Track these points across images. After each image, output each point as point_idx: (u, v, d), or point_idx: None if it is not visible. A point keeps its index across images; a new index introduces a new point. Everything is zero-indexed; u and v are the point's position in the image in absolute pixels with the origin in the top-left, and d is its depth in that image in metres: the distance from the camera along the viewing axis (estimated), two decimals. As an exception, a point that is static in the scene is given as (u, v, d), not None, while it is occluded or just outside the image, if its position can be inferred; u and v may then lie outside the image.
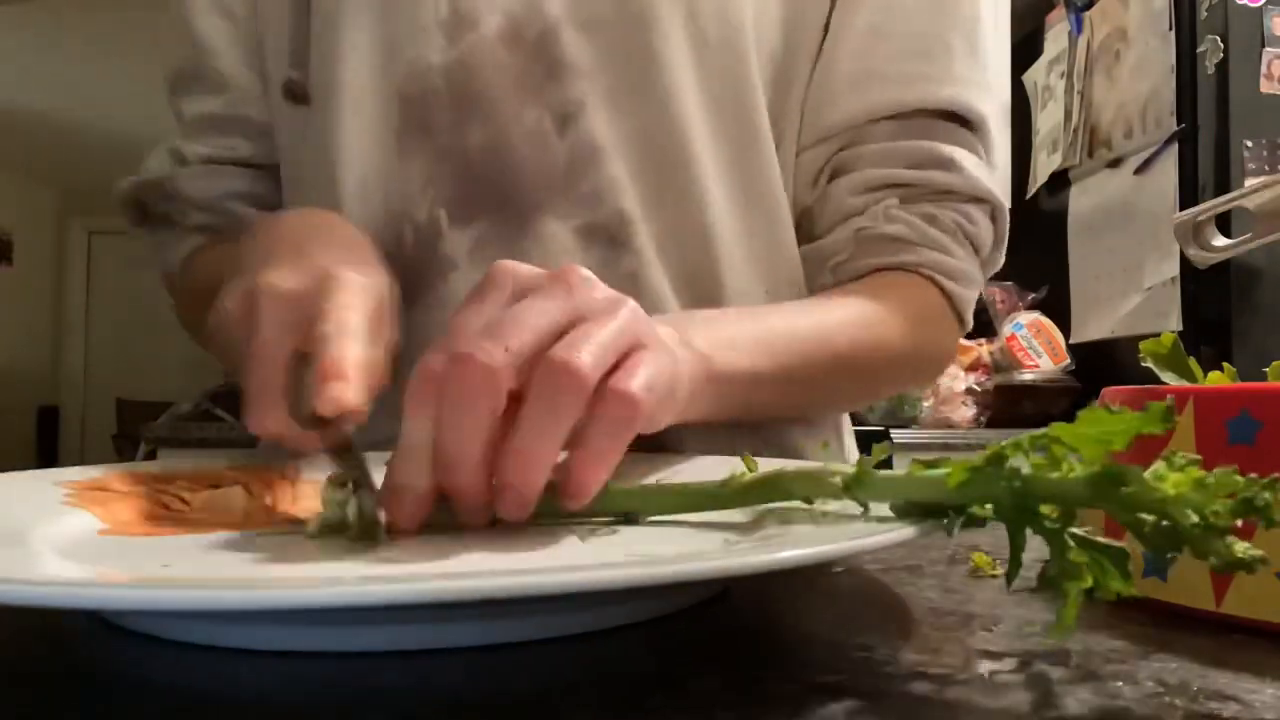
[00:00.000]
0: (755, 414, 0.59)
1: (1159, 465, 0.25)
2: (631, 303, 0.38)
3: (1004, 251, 0.66)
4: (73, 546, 0.34)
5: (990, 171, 0.63)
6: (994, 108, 0.64)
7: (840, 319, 0.59)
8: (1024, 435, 0.28)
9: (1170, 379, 0.39)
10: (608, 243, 0.60)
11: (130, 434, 4.75)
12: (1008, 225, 0.65)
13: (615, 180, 0.59)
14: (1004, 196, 0.64)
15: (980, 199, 0.63)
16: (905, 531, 0.28)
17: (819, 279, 0.65)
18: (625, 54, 0.60)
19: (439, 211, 0.60)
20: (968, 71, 0.63)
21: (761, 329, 0.55)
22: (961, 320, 0.65)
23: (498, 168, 0.60)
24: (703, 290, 0.62)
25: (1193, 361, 0.38)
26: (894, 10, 0.63)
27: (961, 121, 0.63)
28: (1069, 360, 2.18)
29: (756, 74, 0.62)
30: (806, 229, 0.66)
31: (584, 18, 0.60)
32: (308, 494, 0.45)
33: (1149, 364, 0.39)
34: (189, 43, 0.69)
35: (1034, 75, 2.37)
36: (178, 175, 0.68)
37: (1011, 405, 2.15)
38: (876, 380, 0.67)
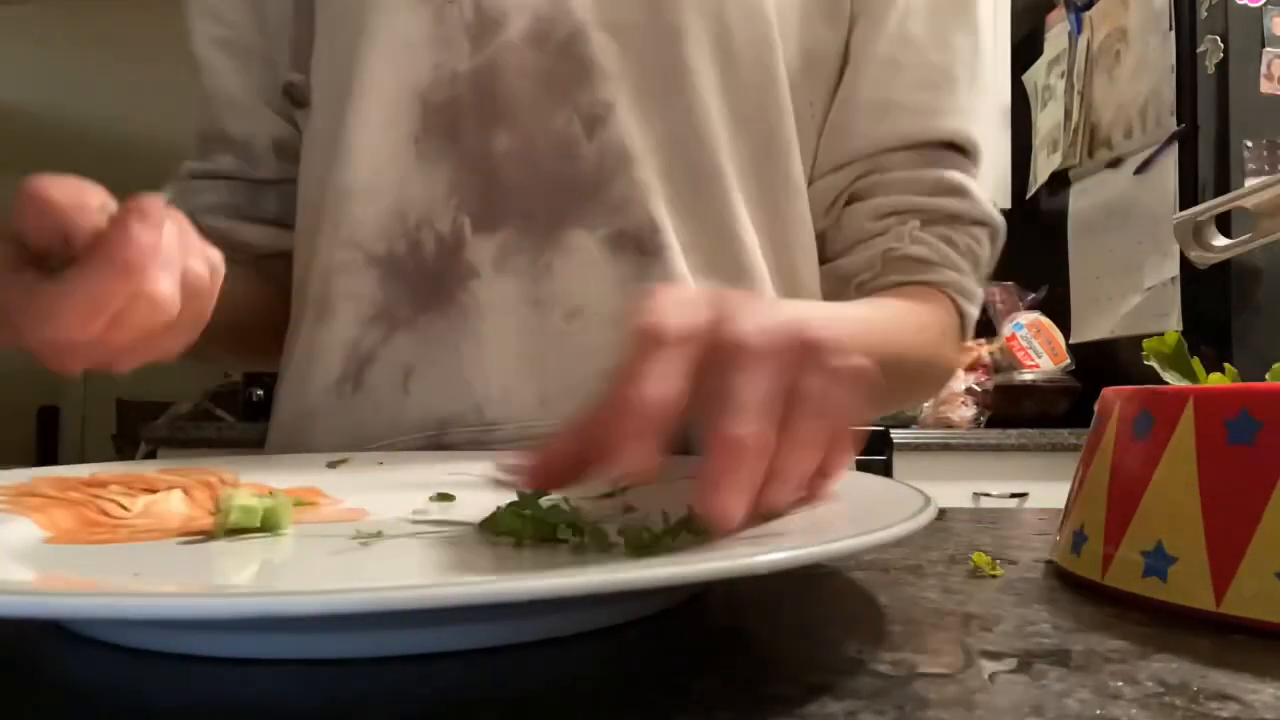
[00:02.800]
0: None
1: None
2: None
3: (993, 268, 0.70)
4: (26, 554, 0.34)
5: (980, 186, 0.68)
6: (983, 124, 0.69)
7: (901, 321, 0.62)
8: None
9: (1172, 378, 0.39)
10: (637, 252, 0.59)
11: (130, 434, 4.74)
12: (1001, 244, 0.69)
13: (645, 184, 0.59)
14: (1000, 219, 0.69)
15: (984, 223, 0.67)
16: (898, 530, 0.28)
17: (841, 296, 0.67)
18: (653, 58, 0.60)
19: (463, 219, 0.59)
20: (970, 103, 0.67)
21: (861, 324, 0.58)
22: (965, 336, 0.68)
23: (524, 174, 0.59)
24: None
25: (1195, 361, 0.38)
26: (908, 43, 0.66)
27: (963, 150, 0.67)
28: (1069, 360, 2.18)
29: (784, 91, 0.63)
30: (819, 251, 0.68)
31: (611, 20, 0.59)
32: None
33: (1152, 362, 0.39)
34: (200, 70, 0.71)
35: (1034, 75, 2.37)
36: (167, 193, 0.69)
37: (1011, 405, 2.15)
38: (910, 388, 0.69)
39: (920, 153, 0.66)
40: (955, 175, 0.66)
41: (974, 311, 0.67)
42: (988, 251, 0.68)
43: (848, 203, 0.68)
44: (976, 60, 0.68)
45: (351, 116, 0.60)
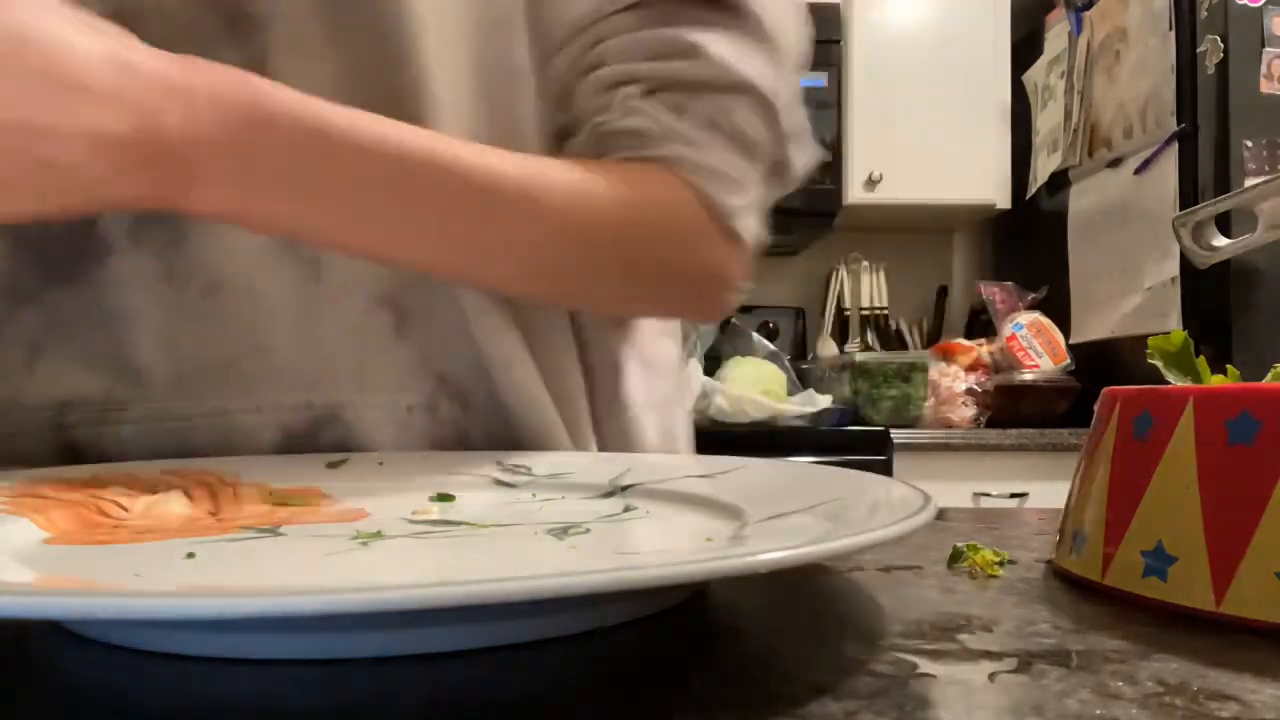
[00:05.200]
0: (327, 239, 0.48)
1: None
2: None
3: (804, 154, 0.58)
4: (26, 554, 0.34)
5: (759, 56, 0.54)
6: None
7: (515, 164, 0.49)
8: None
9: (1174, 378, 0.39)
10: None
11: (130, 434, 4.75)
12: (791, 119, 0.57)
13: None
14: (776, 85, 0.55)
15: (738, 89, 0.54)
16: (898, 530, 0.28)
17: None
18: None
19: None
20: None
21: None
22: (729, 230, 0.54)
23: None
24: None
25: (1201, 360, 0.38)
26: None
27: (712, 3, 0.54)
28: (1069, 360, 2.18)
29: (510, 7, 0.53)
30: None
31: None
32: (251, 498, 0.44)
33: (1156, 360, 0.39)
34: None
35: (1034, 75, 2.37)
36: None
37: (1011, 405, 2.16)
38: (585, 263, 0.53)
39: (644, 12, 0.53)
40: (686, 33, 0.53)
41: (724, 194, 0.53)
42: (750, 122, 0.54)
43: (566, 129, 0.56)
44: None
45: None
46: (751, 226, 0.56)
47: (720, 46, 0.53)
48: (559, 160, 0.51)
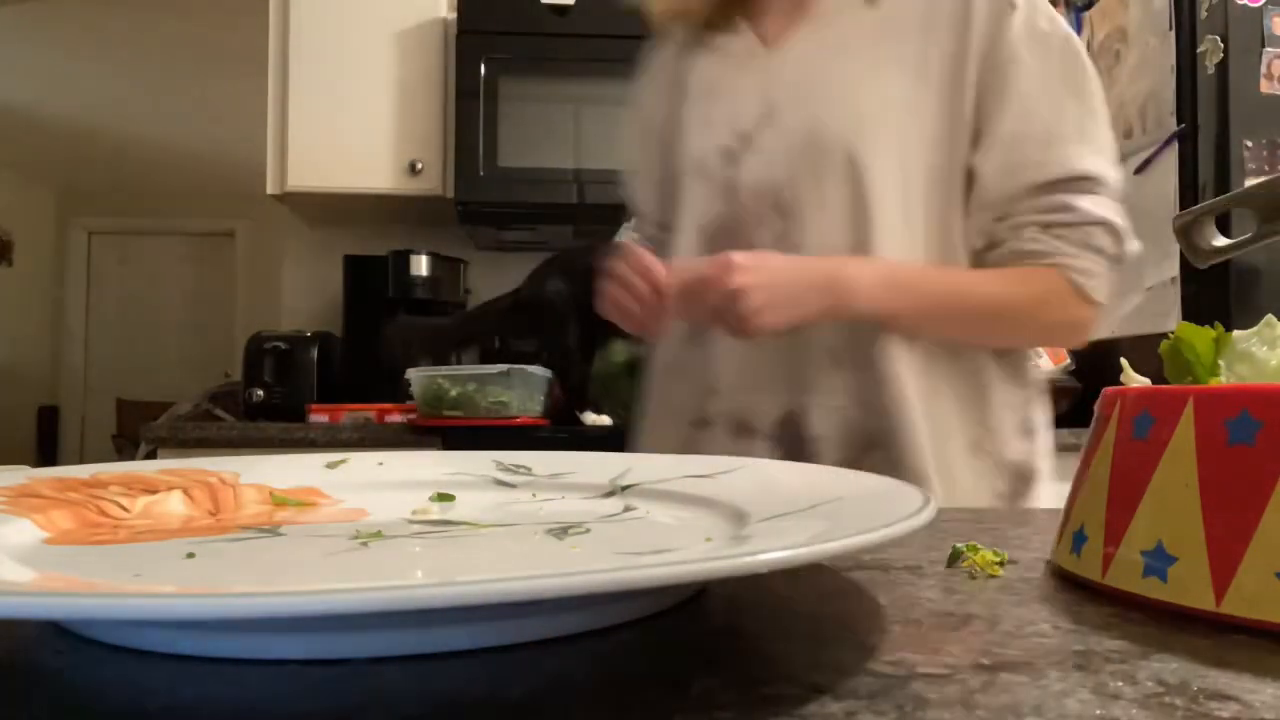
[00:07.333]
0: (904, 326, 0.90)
1: None
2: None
3: (1129, 247, 0.93)
4: (26, 554, 0.34)
5: (1109, 204, 0.91)
6: (1103, 158, 0.94)
7: (954, 275, 0.92)
8: None
9: (1177, 377, 0.39)
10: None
11: (130, 434, 4.75)
12: (1128, 233, 0.92)
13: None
14: (1118, 219, 0.92)
15: (1097, 223, 0.90)
16: (898, 530, 0.28)
17: None
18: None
19: None
20: (1084, 148, 0.92)
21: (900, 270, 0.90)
22: (1088, 299, 0.91)
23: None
24: None
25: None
26: (1030, 117, 0.91)
27: (1074, 180, 0.91)
28: (1069, 360, 2.18)
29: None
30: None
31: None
32: (251, 498, 0.44)
33: (1186, 356, 0.39)
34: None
35: (1034, 75, 2.37)
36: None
37: (1011, 405, 2.15)
38: (994, 325, 0.94)
39: (1043, 195, 0.90)
40: (1061, 198, 0.90)
41: (1087, 280, 0.90)
42: (1106, 241, 0.91)
43: (988, 248, 0.92)
44: (1094, 116, 0.94)
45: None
46: (1104, 295, 0.92)
47: (1085, 203, 0.90)
48: (986, 271, 0.92)
